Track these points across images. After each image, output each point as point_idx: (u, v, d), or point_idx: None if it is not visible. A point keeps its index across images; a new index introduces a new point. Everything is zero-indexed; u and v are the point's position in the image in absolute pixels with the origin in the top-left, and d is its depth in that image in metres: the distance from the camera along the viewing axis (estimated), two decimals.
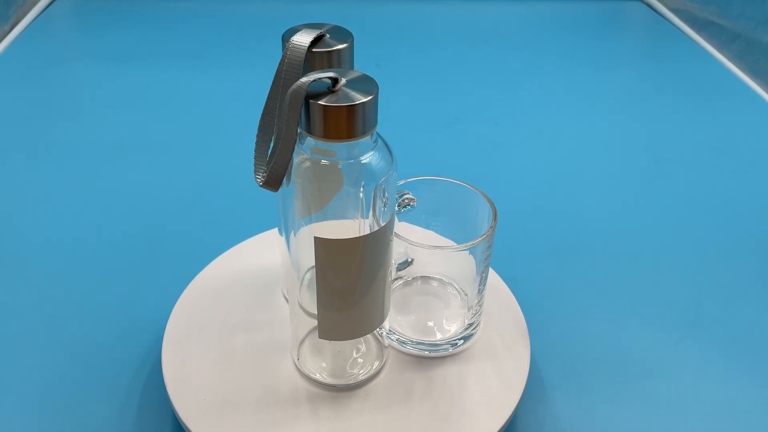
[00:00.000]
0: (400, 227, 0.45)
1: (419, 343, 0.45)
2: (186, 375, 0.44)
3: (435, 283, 0.50)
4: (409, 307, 0.48)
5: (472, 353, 0.45)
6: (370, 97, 0.32)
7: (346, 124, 0.32)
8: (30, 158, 0.75)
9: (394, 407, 0.42)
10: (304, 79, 0.31)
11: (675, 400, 0.48)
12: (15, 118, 0.83)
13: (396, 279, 0.49)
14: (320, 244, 0.36)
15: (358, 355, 0.44)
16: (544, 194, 0.71)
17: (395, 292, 0.48)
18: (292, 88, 0.32)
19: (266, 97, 0.35)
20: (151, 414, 0.46)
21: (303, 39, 0.35)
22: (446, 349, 0.45)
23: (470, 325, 0.46)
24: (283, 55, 0.34)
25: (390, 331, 0.45)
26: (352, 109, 0.32)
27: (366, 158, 0.35)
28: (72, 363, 0.50)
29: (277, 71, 0.34)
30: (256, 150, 0.35)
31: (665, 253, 0.63)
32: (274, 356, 0.45)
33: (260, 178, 0.34)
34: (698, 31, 1.10)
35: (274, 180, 0.33)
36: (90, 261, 0.60)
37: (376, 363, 0.44)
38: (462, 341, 0.46)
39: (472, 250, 0.42)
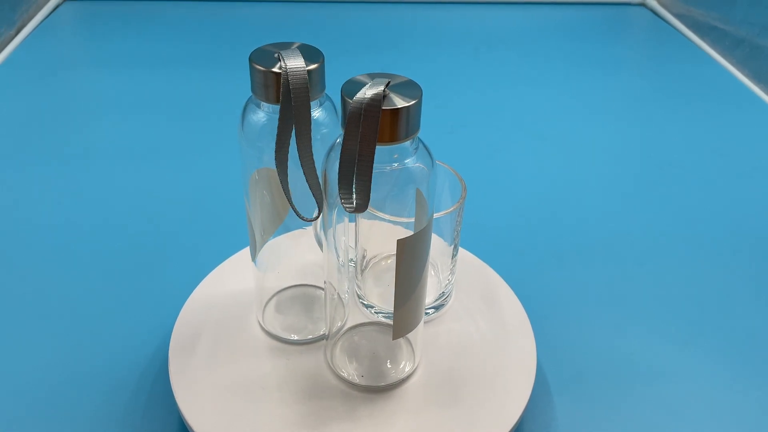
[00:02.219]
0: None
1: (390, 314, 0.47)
2: (196, 380, 0.44)
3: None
4: (383, 280, 0.49)
5: (479, 358, 0.46)
6: (414, 102, 0.32)
7: (390, 127, 0.32)
8: (34, 162, 0.74)
9: (405, 412, 0.43)
10: (372, 92, 0.31)
11: (680, 405, 0.48)
12: (20, 121, 0.82)
13: (373, 257, 0.50)
14: (401, 244, 0.36)
15: (391, 357, 0.45)
16: (548, 199, 0.71)
17: (373, 268, 0.49)
18: (363, 103, 0.31)
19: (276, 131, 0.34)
20: (157, 417, 0.46)
21: (298, 63, 0.34)
22: None
23: (441, 295, 0.48)
24: (284, 84, 0.33)
25: (368, 304, 0.47)
26: (396, 113, 0.32)
27: (407, 162, 0.35)
28: (75, 365, 0.50)
29: (282, 102, 0.34)
30: (283, 185, 0.35)
31: (669, 257, 0.63)
32: (303, 356, 0.45)
33: (348, 207, 0.33)
34: (701, 36, 1.11)
35: (365, 202, 0.33)
36: (94, 263, 0.60)
37: (408, 365, 0.45)
38: (433, 310, 0.48)
39: (440, 222, 0.44)
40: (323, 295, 0.47)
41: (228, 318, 0.48)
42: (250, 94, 0.38)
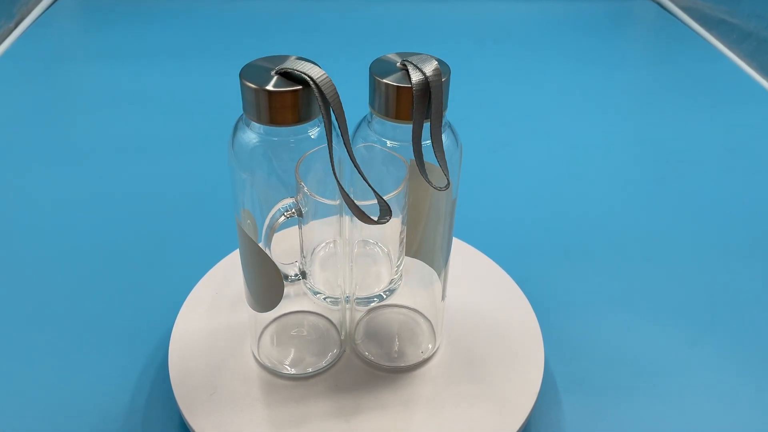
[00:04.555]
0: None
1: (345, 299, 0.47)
2: (201, 372, 0.43)
3: (361, 244, 0.50)
4: (328, 265, 0.48)
5: (488, 356, 0.46)
6: (443, 79, 0.32)
7: (405, 106, 0.33)
8: (33, 156, 0.73)
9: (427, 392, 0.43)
10: (431, 67, 0.32)
11: (688, 403, 0.48)
12: (19, 115, 0.81)
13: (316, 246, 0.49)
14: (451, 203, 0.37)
15: (412, 338, 0.46)
16: (554, 196, 0.70)
17: (317, 255, 0.49)
18: (428, 80, 0.31)
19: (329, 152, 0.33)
20: (158, 415, 0.45)
21: (318, 71, 0.32)
22: (374, 301, 0.47)
23: (392, 280, 0.48)
24: (320, 98, 0.32)
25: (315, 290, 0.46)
26: (407, 91, 0.32)
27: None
28: (77, 362, 0.49)
29: (324, 118, 0.32)
30: (345, 198, 0.34)
31: (678, 254, 0.62)
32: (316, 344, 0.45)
33: (438, 187, 0.33)
34: (709, 29, 1.10)
35: (449, 176, 0.33)
36: (93, 259, 0.59)
37: (429, 346, 0.45)
38: (387, 293, 0.48)
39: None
40: (323, 324, 0.46)
41: (224, 347, 0.46)
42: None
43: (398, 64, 0.34)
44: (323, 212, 0.37)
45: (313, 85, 0.31)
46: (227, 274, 0.51)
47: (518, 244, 0.62)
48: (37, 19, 1.07)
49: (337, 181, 0.33)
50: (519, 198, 0.69)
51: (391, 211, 0.33)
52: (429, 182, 0.33)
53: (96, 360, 0.49)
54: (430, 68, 0.32)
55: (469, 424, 0.41)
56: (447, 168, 0.33)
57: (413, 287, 0.46)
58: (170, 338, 0.46)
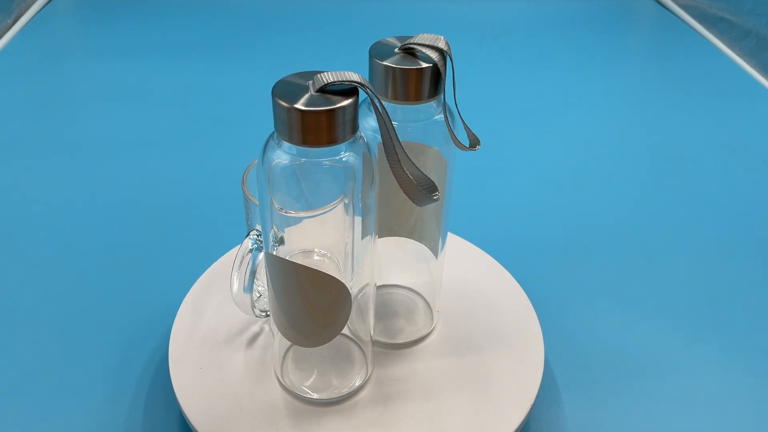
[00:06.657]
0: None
1: None
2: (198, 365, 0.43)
3: (313, 255, 0.49)
4: None
5: (488, 354, 0.46)
6: (431, 64, 0.34)
7: (415, 87, 0.34)
8: (31, 152, 0.73)
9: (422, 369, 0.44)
10: (441, 42, 0.34)
11: (686, 400, 0.48)
12: (17, 112, 0.81)
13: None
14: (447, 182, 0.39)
15: (408, 320, 0.46)
16: (553, 193, 0.70)
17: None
18: (445, 52, 0.33)
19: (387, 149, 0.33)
20: (159, 413, 0.45)
21: (355, 75, 0.32)
22: None
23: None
24: (369, 93, 0.32)
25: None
26: (420, 72, 0.34)
27: (436, 119, 0.36)
28: (76, 362, 0.49)
29: (375, 109, 0.33)
30: (402, 178, 0.34)
31: (678, 252, 0.62)
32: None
33: (467, 147, 0.36)
34: (708, 27, 1.10)
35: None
36: (93, 258, 0.58)
37: (424, 329, 0.46)
38: None
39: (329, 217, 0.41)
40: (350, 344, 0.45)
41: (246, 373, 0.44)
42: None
43: (397, 49, 0.35)
44: (286, 224, 0.37)
45: (363, 87, 0.32)
46: (225, 275, 0.51)
47: (517, 240, 0.62)
48: (35, 15, 1.07)
49: (401, 166, 0.33)
50: (519, 195, 0.69)
51: (436, 186, 0.34)
52: (461, 145, 0.36)
53: (96, 360, 0.49)
54: (442, 43, 0.33)
55: (469, 423, 0.41)
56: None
57: (410, 267, 0.46)
58: (169, 343, 0.46)
